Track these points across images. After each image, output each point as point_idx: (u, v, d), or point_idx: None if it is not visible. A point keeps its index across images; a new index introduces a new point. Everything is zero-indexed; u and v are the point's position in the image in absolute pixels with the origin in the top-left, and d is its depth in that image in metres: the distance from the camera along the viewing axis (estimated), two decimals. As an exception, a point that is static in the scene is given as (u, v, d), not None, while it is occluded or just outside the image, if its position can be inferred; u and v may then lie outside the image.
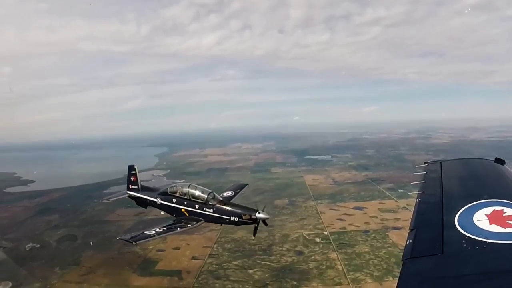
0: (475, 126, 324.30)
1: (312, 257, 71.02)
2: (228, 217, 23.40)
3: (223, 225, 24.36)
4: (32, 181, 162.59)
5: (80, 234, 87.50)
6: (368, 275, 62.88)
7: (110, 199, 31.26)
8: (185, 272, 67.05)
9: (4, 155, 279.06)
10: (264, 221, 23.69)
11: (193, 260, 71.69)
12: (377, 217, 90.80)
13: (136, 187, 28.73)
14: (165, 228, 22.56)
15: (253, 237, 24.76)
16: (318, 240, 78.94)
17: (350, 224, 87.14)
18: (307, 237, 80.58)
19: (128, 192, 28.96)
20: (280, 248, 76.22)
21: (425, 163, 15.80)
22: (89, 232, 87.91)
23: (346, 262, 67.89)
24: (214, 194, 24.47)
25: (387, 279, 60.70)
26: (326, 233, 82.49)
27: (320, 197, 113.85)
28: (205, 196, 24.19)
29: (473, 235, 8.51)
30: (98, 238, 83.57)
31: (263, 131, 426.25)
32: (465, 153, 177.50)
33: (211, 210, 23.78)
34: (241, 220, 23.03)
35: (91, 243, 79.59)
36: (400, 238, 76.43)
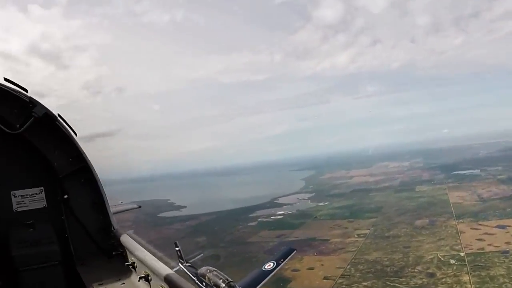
0: None
1: (443, 280, 69.87)
2: None
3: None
4: (184, 207, 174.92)
5: (223, 254, 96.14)
6: (499, 299, 59.70)
7: None
8: (314, 291, 70.70)
9: (159, 184, 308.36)
10: None
11: (324, 280, 75.08)
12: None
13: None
14: None
15: None
16: (452, 261, 76.62)
17: (489, 245, 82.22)
18: (442, 259, 78.71)
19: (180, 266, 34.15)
20: (412, 270, 76.04)
21: None
22: (232, 252, 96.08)
23: (477, 286, 65.63)
24: (232, 285, 25.73)
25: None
26: (462, 254, 79.59)
27: (462, 215, 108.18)
28: (223, 286, 25.50)
29: None
30: (240, 258, 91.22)
31: (411, 147, 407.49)
32: None
33: None
34: None
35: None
36: (544, 261, 70.47)
